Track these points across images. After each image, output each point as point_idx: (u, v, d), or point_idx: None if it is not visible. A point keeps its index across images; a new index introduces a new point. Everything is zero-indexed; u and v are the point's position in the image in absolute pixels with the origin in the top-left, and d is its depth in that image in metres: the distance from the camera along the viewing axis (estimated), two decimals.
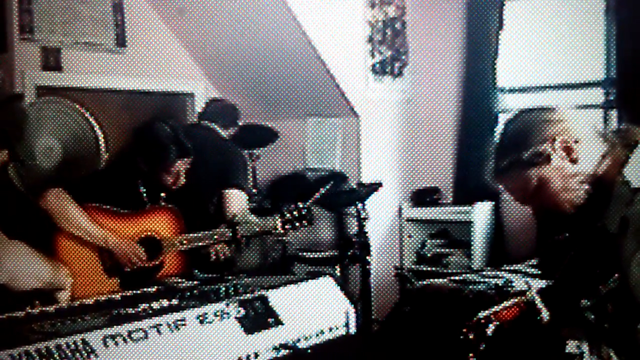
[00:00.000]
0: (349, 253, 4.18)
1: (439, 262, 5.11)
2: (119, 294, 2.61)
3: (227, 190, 3.64)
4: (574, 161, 1.76)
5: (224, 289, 2.53)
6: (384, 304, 4.24)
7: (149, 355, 2.06)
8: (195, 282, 2.85)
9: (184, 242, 3.21)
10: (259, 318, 2.35)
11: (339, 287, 2.69)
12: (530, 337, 1.71)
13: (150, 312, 2.23)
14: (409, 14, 5.31)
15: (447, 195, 5.32)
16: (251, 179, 4.41)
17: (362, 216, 4.14)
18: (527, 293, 1.77)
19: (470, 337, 1.68)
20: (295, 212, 3.32)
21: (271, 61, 4.80)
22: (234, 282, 2.69)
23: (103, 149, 3.36)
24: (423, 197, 5.28)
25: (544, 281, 1.94)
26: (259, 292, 2.46)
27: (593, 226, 1.75)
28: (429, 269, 5.08)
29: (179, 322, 2.18)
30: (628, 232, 1.65)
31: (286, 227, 3.32)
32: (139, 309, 2.26)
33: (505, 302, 1.76)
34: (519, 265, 3.70)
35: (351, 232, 4.56)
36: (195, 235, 3.23)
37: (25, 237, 2.57)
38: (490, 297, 1.79)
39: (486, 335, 1.68)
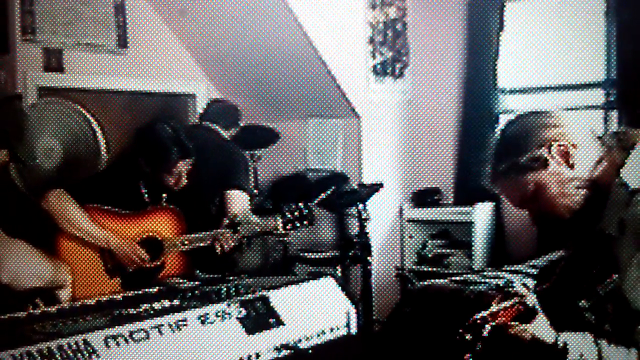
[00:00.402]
0: (350, 253, 4.17)
1: (440, 263, 5.10)
2: (121, 294, 2.61)
3: (228, 191, 3.64)
4: (571, 166, 1.75)
5: (225, 289, 2.53)
6: (385, 305, 4.23)
7: (150, 355, 2.07)
8: (196, 283, 2.86)
9: (186, 242, 3.22)
10: (260, 318, 2.35)
11: (340, 287, 2.69)
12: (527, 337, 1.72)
13: (152, 312, 2.24)
14: (409, 15, 5.31)
15: (448, 196, 5.32)
16: (252, 179, 4.42)
17: (363, 217, 4.15)
18: (524, 294, 1.77)
19: (467, 337, 1.69)
20: (296, 212, 3.32)
21: (272, 62, 4.80)
22: (236, 282, 2.69)
23: (104, 151, 3.37)
24: (424, 197, 5.28)
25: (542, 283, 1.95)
26: (260, 293, 2.46)
27: (591, 229, 1.75)
28: (429, 269, 5.08)
29: (180, 323, 2.19)
30: (626, 234, 1.66)
31: (287, 227, 3.31)
32: (141, 310, 2.26)
33: (503, 303, 1.76)
34: (519, 265, 3.71)
35: (352, 233, 4.56)
36: (197, 235, 3.23)
37: (26, 236, 2.58)
38: (491, 297, 1.79)
39: (482, 335, 1.69)
